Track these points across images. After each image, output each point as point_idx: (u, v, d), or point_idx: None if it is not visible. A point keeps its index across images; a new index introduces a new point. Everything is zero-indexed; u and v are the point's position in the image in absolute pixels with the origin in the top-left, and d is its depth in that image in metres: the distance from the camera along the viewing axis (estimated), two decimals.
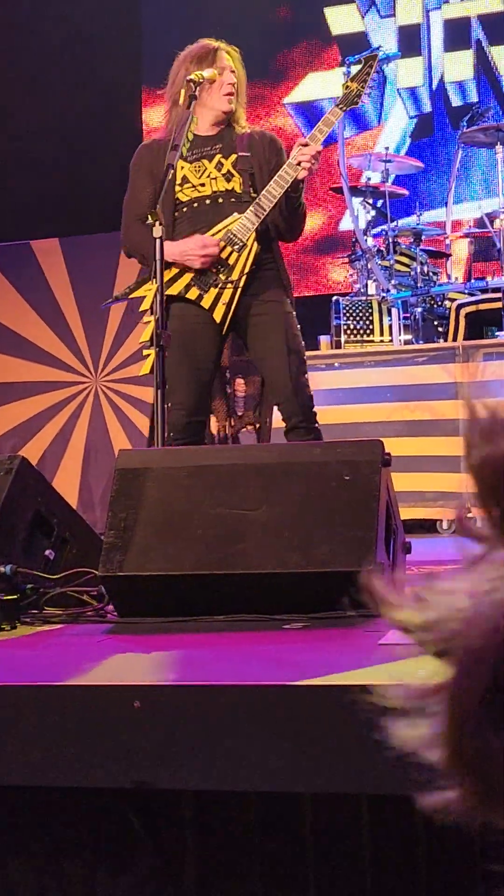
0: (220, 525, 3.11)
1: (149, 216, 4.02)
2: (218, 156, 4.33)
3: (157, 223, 3.97)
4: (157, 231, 3.97)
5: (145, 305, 4.18)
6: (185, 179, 4.31)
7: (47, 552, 3.46)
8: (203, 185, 4.30)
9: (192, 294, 4.27)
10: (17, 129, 9.55)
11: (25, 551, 3.38)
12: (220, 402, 4.53)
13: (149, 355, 4.05)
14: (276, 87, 9.32)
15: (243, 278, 4.24)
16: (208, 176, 4.31)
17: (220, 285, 4.25)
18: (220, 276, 4.24)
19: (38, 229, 8.16)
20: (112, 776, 2.21)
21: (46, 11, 9.45)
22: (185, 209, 4.31)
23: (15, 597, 3.16)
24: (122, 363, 7.00)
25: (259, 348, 4.32)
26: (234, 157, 4.32)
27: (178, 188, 4.30)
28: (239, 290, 4.25)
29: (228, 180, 4.30)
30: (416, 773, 0.74)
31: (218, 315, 4.25)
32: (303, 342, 4.40)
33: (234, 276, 4.24)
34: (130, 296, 4.36)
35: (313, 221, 8.81)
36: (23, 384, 7.19)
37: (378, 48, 5.03)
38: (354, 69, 4.49)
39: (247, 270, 4.25)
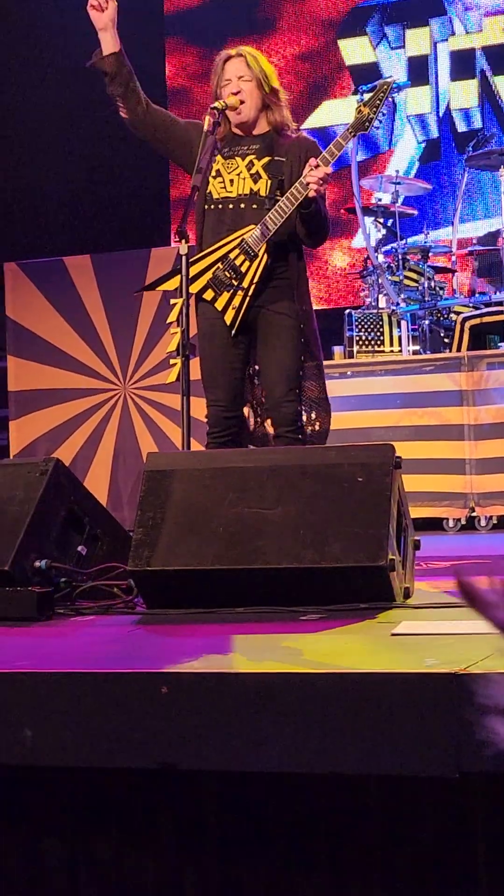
0: (240, 523, 3.12)
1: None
2: (251, 156, 4.25)
3: (184, 241, 3.96)
4: (183, 248, 3.96)
5: (172, 317, 4.17)
6: (217, 173, 4.26)
7: (80, 548, 3.46)
8: (232, 182, 4.25)
9: (208, 295, 4.25)
10: (50, 154, 9.58)
11: (59, 547, 3.38)
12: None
13: (175, 364, 4.06)
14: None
15: (252, 287, 4.21)
16: (238, 174, 4.24)
17: (232, 290, 4.23)
18: (234, 281, 4.23)
19: (70, 246, 8.19)
20: (140, 757, 2.22)
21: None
22: (212, 206, 4.27)
23: (50, 589, 3.18)
24: (150, 371, 6.99)
25: (261, 357, 4.29)
26: (267, 159, 4.25)
27: (211, 180, 4.25)
28: (248, 297, 4.22)
29: (255, 181, 4.23)
30: None
31: (228, 318, 4.23)
32: (303, 356, 4.27)
33: (245, 284, 4.22)
34: (158, 288, 4.35)
35: None
36: (56, 391, 7.19)
37: (389, 77, 5.00)
38: (367, 96, 4.42)
39: (256, 280, 4.20)
